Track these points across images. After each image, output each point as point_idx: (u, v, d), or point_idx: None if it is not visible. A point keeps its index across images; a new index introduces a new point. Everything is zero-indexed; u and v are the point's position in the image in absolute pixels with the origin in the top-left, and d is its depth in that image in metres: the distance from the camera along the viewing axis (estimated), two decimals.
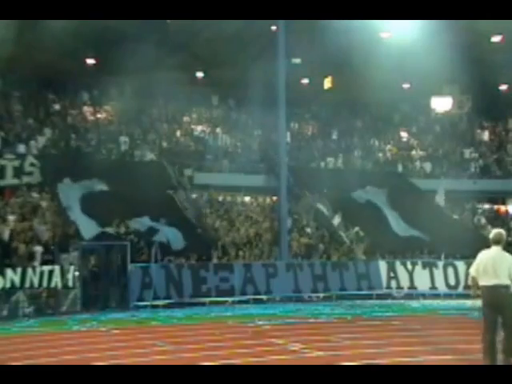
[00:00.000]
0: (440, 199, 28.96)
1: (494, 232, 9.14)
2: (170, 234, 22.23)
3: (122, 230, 21.71)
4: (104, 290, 20.11)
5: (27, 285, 18.38)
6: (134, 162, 26.91)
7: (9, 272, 18.20)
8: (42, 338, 14.17)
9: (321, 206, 27.03)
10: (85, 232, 20.92)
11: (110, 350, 11.93)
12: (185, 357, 11.12)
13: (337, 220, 26.32)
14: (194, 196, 26.34)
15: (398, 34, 25.61)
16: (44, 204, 22.30)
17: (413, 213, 26.68)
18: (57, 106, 29.43)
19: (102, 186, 23.70)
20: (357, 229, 25.88)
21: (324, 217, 26.84)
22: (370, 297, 22.70)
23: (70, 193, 22.71)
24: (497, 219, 29.95)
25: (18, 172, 23.40)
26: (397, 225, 26.78)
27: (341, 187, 27.35)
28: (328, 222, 26.42)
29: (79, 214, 21.84)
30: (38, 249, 19.72)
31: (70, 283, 19.08)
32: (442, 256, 24.35)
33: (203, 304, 20.70)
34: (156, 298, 20.18)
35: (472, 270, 9.05)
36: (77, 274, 19.30)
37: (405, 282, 23.31)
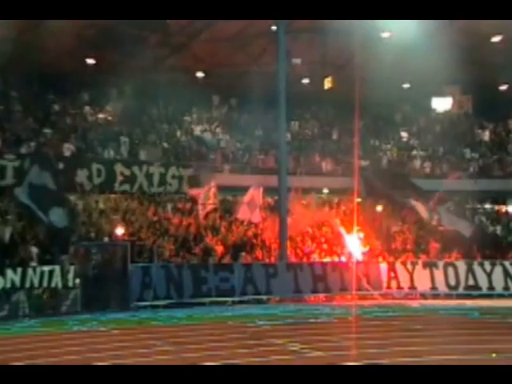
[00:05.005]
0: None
1: None
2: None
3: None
4: (104, 290, 20.05)
5: (27, 285, 18.35)
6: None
7: (9, 272, 18.18)
8: (42, 338, 14.18)
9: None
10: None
11: (112, 350, 11.93)
12: (187, 357, 11.12)
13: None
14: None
15: (399, 33, 25.59)
16: None
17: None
18: (57, 106, 29.39)
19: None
20: None
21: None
22: (370, 297, 22.70)
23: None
24: (497, 219, 29.91)
25: (18, 172, 23.31)
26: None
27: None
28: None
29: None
30: (35, 249, 19.65)
31: (71, 283, 19.06)
32: None
33: (203, 304, 20.70)
34: (156, 298, 20.17)
35: None
36: (77, 275, 19.29)
37: (405, 282, 23.31)
